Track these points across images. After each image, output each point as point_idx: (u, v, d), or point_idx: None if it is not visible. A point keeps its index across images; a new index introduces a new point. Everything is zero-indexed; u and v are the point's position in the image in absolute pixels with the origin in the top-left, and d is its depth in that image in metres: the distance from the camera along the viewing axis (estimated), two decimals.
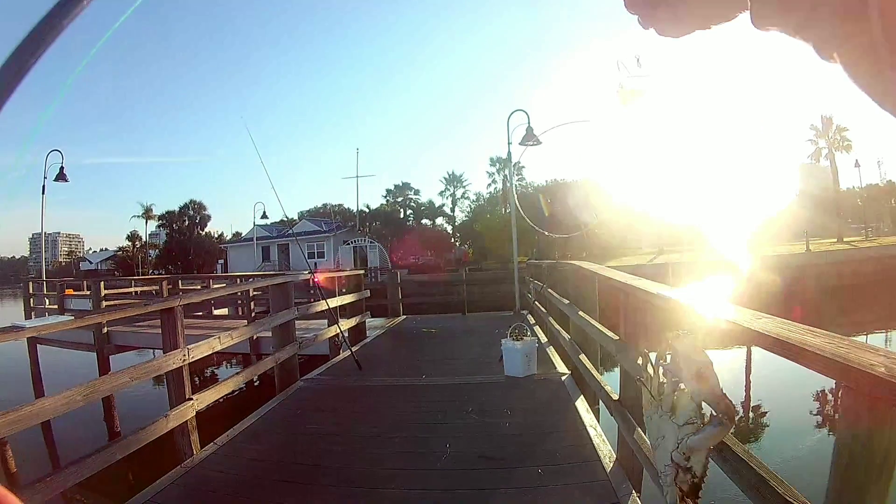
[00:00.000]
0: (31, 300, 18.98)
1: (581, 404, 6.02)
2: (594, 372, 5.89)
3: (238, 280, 19.13)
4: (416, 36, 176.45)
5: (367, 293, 12.09)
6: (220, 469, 4.96)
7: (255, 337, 10.00)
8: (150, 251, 75.73)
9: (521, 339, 7.37)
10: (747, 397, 10.60)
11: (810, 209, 44.36)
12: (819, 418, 9.40)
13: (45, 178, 20.60)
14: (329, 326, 9.65)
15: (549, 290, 9.67)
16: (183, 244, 71.00)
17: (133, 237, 74.52)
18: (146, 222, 72.09)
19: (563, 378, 7.18)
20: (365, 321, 11.89)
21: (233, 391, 7.19)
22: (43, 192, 20.83)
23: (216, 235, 76.04)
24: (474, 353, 9.54)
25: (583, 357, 6.44)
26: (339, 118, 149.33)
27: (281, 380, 7.86)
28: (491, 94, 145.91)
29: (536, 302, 12.96)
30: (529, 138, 14.70)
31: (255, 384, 11.56)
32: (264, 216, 37.33)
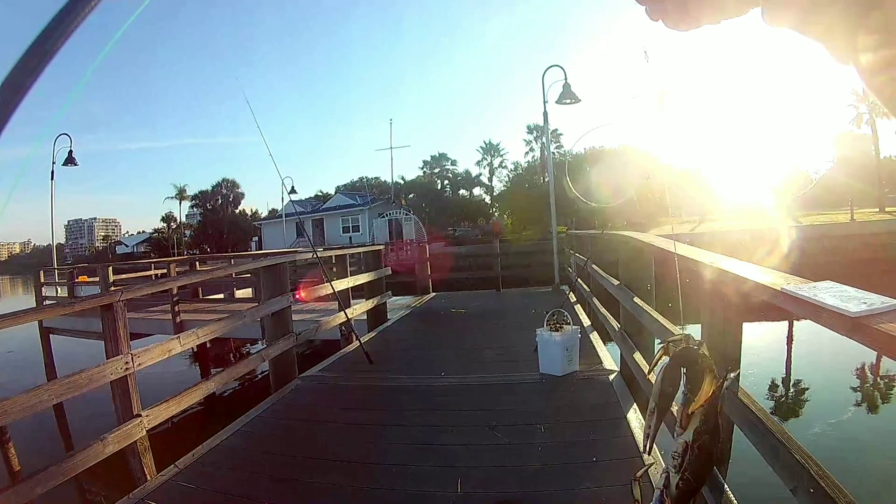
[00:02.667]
0: (42, 289, 18.28)
1: (634, 417, 4.66)
2: (653, 378, 4.52)
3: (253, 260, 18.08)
4: (455, 8, 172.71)
5: (388, 270, 10.81)
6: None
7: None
8: (186, 231, 75.66)
9: (561, 328, 6.00)
10: (787, 371, 9.89)
11: (850, 177, 42.14)
12: (860, 395, 8.71)
13: (53, 163, 19.72)
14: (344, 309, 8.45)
15: (594, 266, 8.24)
16: (217, 223, 70.83)
17: (168, 218, 74.49)
18: (180, 203, 71.93)
19: (612, 377, 5.81)
20: (385, 302, 10.62)
21: (213, 394, 6.06)
22: (52, 178, 19.94)
23: (251, 213, 75.70)
24: (505, 340, 8.23)
25: (638, 357, 5.04)
26: (377, 90, 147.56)
27: (276, 378, 6.72)
28: (528, 60, 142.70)
29: (578, 278, 11.58)
30: (567, 96, 13.26)
31: (257, 379, 10.28)
32: (293, 191, 36.42)
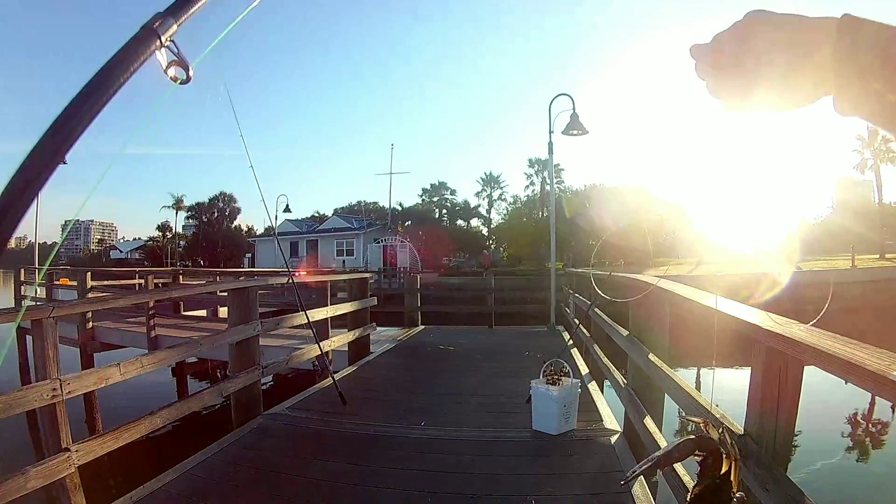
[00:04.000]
0: (22, 287, 17.60)
1: (642, 493, 3.92)
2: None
3: (239, 277, 17.34)
4: (459, 37, 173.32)
5: (374, 300, 10.06)
6: None
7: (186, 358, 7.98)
8: (181, 241, 74.84)
9: (559, 381, 5.29)
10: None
11: (850, 222, 41.80)
12: (850, 441, 8.99)
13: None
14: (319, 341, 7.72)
15: (598, 310, 7.50)
16: (211, 236, 70.09)
17: (163, 227, 73.68)
18: (176, 213, 71.15)
19: (614, 440, 5.08)
20: (369, 334, 9.86)
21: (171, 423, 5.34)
22: None
23: (246, 229, 74.91)
24: (496, 386, 7.45)
25: (650, 424, 4.30)
26: (380, 114, 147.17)
27: (237, 413, 6.02)
28: (531, 95, 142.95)
29: (580, 325, 10.87)
30: (575, 126, 12.65)
31: (217, 408, 9.42)
32: (287, 210, 35.61)
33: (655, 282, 4.12)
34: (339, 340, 8.43)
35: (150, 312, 11.76)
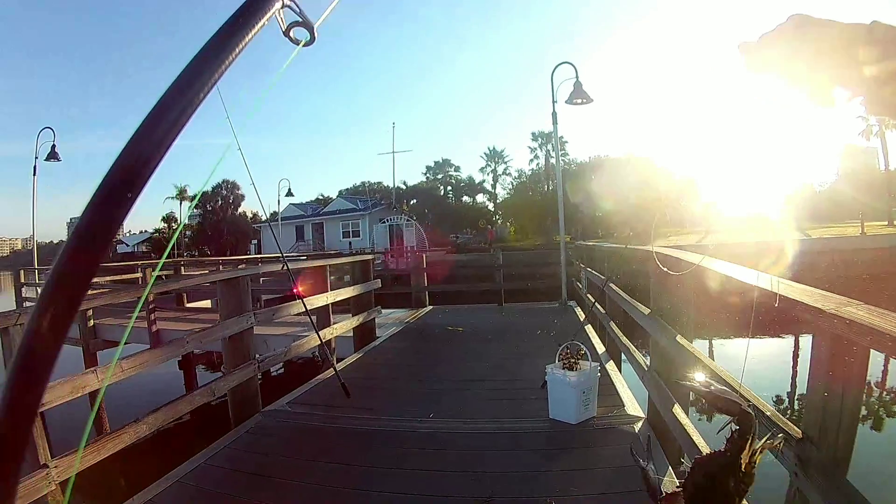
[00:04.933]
0: (23, 289, 17.34)
1: (672, 486, 3.53)
2: (697, 440, 3.39)
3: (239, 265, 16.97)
4: (459, 12, 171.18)
5: (378, 283, 9.65)
6: None
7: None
8: (188, 232, 74.53)
9: (577, 365, 4.88)
10: (793, 385, 9.68)
11: (854, 190, 41.19)
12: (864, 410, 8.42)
13: (35, 157, 18.60)
14: (321, 329, 7.33)
15: (614, 286, 7.04)
16: (216, 224, 69.75)
17: (168, 219, 73.23)
18: (180, 203, 70.59)
19: (638, 427, 4.69)
20: (374, 318, 9.47)
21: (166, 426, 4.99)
22: (34, 173, 18.82)
23: (251, 215, 74.48)
24: (508, 370, 7.02)
25: (679, 412, 3.87)
26: (381, 93, 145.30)
27: (235, 411, 5.67)
28: (534, 67, 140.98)
29: (589, 294, 10.43)
30: (578, 95, 12.15)
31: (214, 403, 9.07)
32: (289, 193, 35.32)
33: (698, 260, 3.69)
34: (341, 327, 8.02)
35: (151, 307, 11.43)
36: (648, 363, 4.98)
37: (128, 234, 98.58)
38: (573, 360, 4.87)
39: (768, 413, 2.44)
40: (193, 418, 7.11)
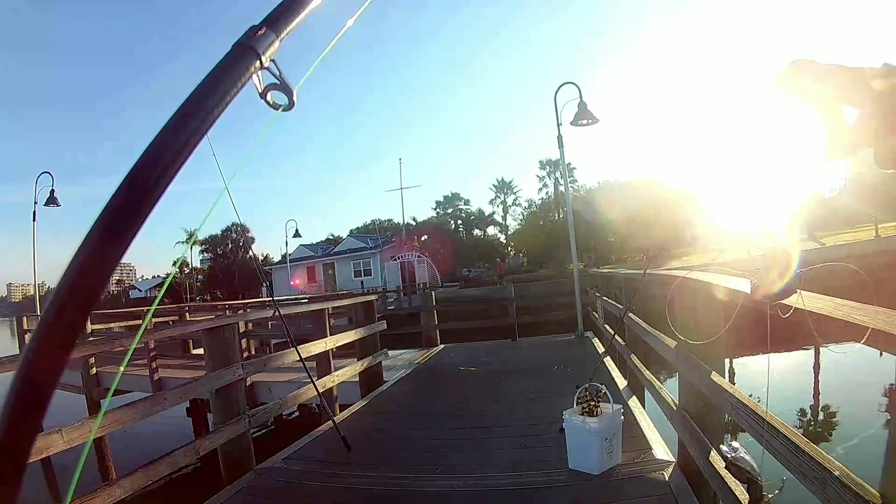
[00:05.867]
0: (26, 336, 16.93)
1: None
2: (740, 494, 2.87)
3: (239, 310, 16.49)
4: (463, 44, 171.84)
5: (384, 325, 9.15)
6: None
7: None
8: (199, 276, 74.57)
9: (597, 408, 4.36)
10: (816, 398, 9.80)
11: (864, 194, 40.66)
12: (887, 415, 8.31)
13: (35, 203, 18.35)
14: (320, 377, 6.84)
15: (633, 316, 6.49)
16: (227, 268, 69.73)
17: (180, 263, 73.27)
18: (191, 247, 70.68)
19: (668, 474, 4.16)
20: (380, 362, 8.95)
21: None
22: (34, 219, 18.56)
23: (262, 258, 74.49)
24: (523, 413, 6.46)
25: (715, 459, 3.34)
26: (387, 129, 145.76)
27: (227, 468, 5.21)
28: (538, 95, 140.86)
29: (606, 325, 9.89)
30: (583, 116, 11.78)
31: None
32: (297, 235, 35.00)
33: (711, 280, 3.21)
34: (343, 374, 7.51)
35: (152, 354, 11.07)
36: (677, 402, 4.44)
37: (140, 280, 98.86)
38: (593, 404, 4.35)
39: (836, 473, 1.94)
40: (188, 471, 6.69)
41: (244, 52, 0.62)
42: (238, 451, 5.32)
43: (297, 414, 11.23)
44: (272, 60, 0.65)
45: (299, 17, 0.68)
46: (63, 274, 0.49)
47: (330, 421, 5.99)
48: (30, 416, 0.47)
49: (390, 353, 11.78)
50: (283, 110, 0.72)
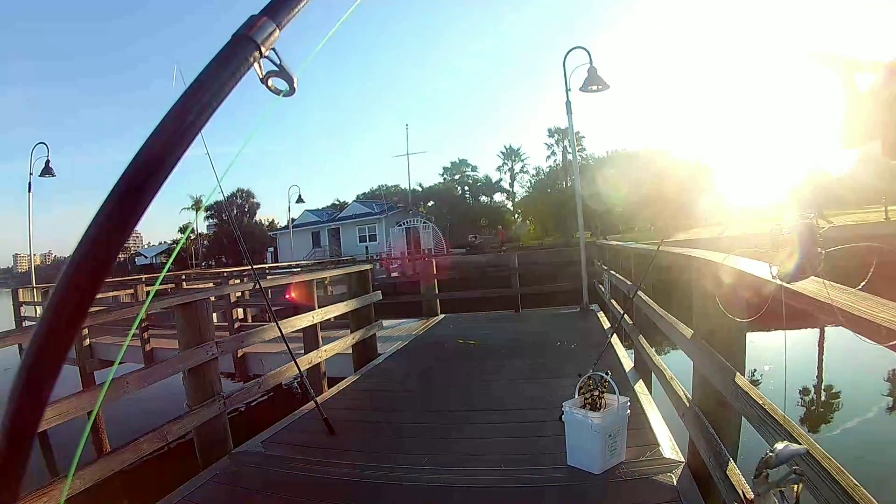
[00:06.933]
0: (21, 308, 16.64)
1: None
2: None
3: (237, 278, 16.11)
4: (470, 7, 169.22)
5: (379, 295, 8.72)
6: None
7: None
8: (205, 242, 74.41)
9: (601, 401, 3.92)
10: (819, 379, 9.57)
11: (874, 175, 40.02)
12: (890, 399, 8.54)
13: (30, 174, 17.98)
14: (302, 354, 6.43)
15: (644, 296, 5.96)
16: (232, 234, 69.53)
17: (185, 229, 73.09)
18: (196, 213, 70.50)
19: (677, 476, 3.74)
20: (374, 334, 8.54)
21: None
22: (29, 190, 18.20)
23: (267, 223, 74.24)
24: (521, 394, 6.05)
25: (734, 472, 2.89)
26: (394, 94, 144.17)
27: (202, 452, 4.87)
28: (546, 62, 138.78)
29: (613, 301, 9.45)
30: (593, 81, 11.21)
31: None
32: (300, 200, 34.53)
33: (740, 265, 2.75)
34: (333, 348, 7.10)
35: (145, 325, 10.80)
36: (689, 395, 3.99)
37: (147, 246, 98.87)
38: (596, 395, 3.91)
39: None
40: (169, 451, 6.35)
41: (243, 42, 0.64)
42: (212, 435, 4.96)
43: (288, 386, 10.90)
44: (272, 49, 0.67)
45: (300, 4, 0.70)
46: (74, 250, 0.53)
47: (313, 402, 5.57)
48: (40, 388, 0.51)
49: (391, 322, 11.44)
50: (284, 95, 0.74)
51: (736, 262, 2.89)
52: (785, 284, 2.05)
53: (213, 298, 12.15)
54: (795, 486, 1.74)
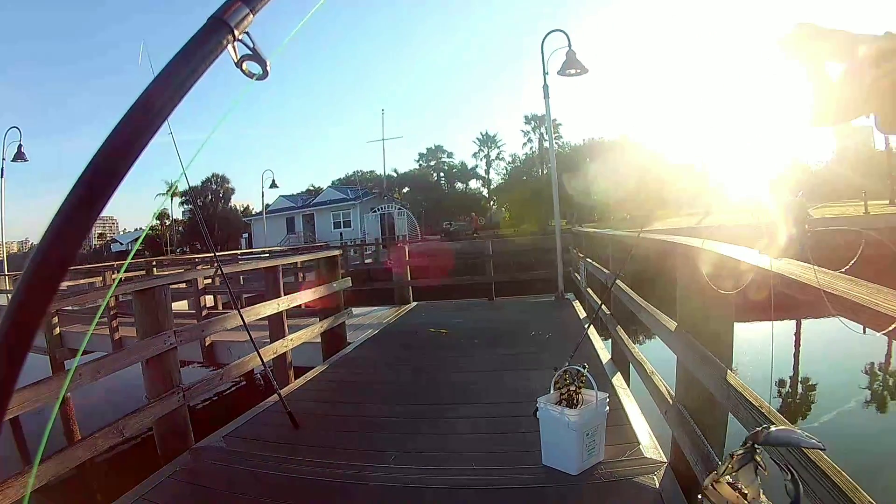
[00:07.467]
0: None
1: None
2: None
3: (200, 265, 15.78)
4: None
5: (348, 282, 8.46)
6: None
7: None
8: (179, 228, 73.55)
9: (578, 397, 3.71)
10: (796, 371, 9.37)
11: (851, 170, 40.73)
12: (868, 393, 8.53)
13: (2, 159, 17.61)
14: (266, 344, 6.16)
15: (623, 285, 5.74)
16: (207, 220, 68.66)
17: (161, 215, 72.18)
18: (171, 199, 69.38)
19: (659, 478, 3.53)
20: (343, 322, 8.28)
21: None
22: (1, 175, 17.81)
23: (242, 209, 73.51)
24: (495, 386, 5.81)
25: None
26: (369, 79, 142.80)
27: (162, 446, 4.66)
28: (524, 47, 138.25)
29: (589, 289, 9.27)
30: (572, 65, 10.97)
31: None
32: (273, 185, 34.04)
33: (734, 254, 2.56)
34: (300, 337, 6.82)
35: (112, 313, 10.48)
36: (673, 393, 3.78)
37: (123, 233, 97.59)
38: (573, 390, 3.70)
39: None
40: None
41: (217, 25, 0.64)
42: (173, 429, 4.73)
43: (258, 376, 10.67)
44: (246, 32, 0.68)
45: None
46: (41, 237, 0.54)
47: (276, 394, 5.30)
48: (12, 362, 0.52)
49: (362, 310, 11.21)
50: (258, 79, 0.75)
51: (721, 246, 2.70)
52: (774, 269, 2.08)
53: (183, 285, 12.15)
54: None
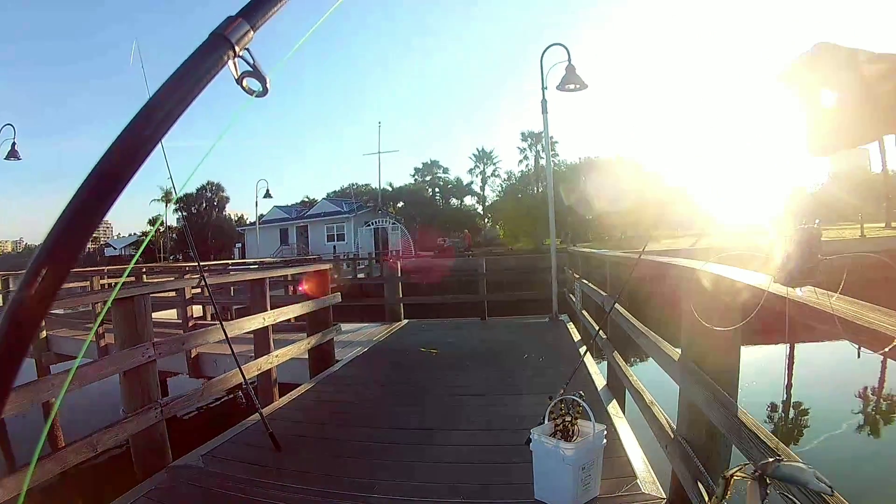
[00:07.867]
0: None
1: None
2: None
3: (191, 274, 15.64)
4: (449, 8, 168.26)
5: (338, 297, 8.23)
6: None
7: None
8: (173, 235, 73.26)
9: (573, 429, 3.52)
10: (788, 395, 9.37)
11: (846, 192, 40.90)
12: (861, 417, 8.54)
13: None
14: (248, 361, 5.96)
15: (622, 310, 5.52)
16: (200, 227, 68.31)
17: (155, 221, 72.09)
18: (166, 205, 69.03)
19: None
20: (331, 339, 8.05)
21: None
22: None
23: (236, 218, 73.27)
24: (485, 412, 5.63)
25: None
26: (368, 91, 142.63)
27: (139, 463, 4.51)
28: (522, 64, 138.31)
29: (584, 312, 9.08)
30: (571, 80, 10.86)
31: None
32: (267, 195, 33.85)
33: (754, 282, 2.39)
34: (286, 353, 6.59)
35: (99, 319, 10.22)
36: (674, 426, 3.57)
37: (116, 237, 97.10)
38: (568, 420, 3.51)
39: None
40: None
41: (219, 40, 0.66)
42: (150, 445, 4.56)
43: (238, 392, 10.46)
44: (246, 49, 0.69)
45: (275, 8, 0.71)
46: (44, 237, 0.54)
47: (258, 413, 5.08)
48: (9, 364, 0.52)
49: (353, 326, 11.01)
50: (257, 96, 0.75)
51: (731, 271, 2.54)
52: (788, 294, 1.89)
53: (172, 293, 11.93)
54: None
